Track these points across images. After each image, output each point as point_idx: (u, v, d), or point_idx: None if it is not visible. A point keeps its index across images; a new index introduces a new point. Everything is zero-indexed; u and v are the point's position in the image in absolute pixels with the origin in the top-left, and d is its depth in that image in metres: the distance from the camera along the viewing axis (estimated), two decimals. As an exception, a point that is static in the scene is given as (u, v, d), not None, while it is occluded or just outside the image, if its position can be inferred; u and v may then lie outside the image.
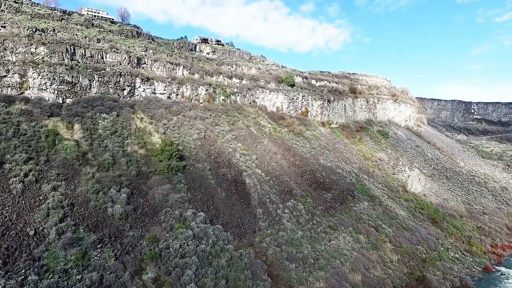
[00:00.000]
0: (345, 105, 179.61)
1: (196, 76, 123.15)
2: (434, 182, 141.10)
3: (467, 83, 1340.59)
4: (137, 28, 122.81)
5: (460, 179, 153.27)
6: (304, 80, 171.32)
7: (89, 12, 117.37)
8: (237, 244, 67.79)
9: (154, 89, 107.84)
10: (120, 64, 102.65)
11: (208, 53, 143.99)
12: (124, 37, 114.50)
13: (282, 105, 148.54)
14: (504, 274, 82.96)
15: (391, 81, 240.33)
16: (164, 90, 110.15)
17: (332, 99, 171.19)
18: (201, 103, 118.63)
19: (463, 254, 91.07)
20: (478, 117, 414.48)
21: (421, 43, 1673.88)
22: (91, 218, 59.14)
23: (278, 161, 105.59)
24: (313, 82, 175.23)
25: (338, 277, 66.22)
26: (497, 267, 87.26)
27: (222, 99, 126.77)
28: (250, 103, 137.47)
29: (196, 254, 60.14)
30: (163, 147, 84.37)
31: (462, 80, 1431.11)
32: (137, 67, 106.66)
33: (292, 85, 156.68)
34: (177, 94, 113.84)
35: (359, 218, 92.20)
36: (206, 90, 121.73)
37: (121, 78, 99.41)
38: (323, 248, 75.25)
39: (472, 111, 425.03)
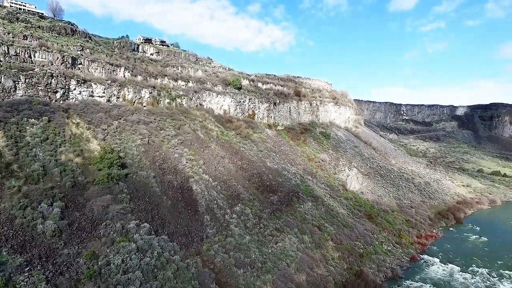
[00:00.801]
0: (290, 107, 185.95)
1: (139, 78, 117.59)
2: (370, 180, 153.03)
3: (400, 85, 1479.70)
4: (72, 24, 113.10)
5: (392, 176, 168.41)
6: (251, 83, 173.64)
7: (13, 5, 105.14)
8: (184, 254, 66.58)
9: (92, 91, 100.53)
10: (52, 64, 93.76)
11: (152, 54, 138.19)
12: (57, 34, 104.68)
13: (229, 108, 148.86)
14: (427, 262, 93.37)
15: (332, 85, 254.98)
16: (104, 92, 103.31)
17: (278, 101, 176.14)
18: (144, 106, 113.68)
19: (395, 246, 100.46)
20: (407, 117, 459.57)
21: (360, 47, 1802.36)
22: (16, 238, 53.31)
23: (225, 165, 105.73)
24: (260, 85, 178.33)
25: (284, 278, 68.68)
26: (421, 256, 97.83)
27: (167, 102, 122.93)
28: (196, 106, 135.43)
29: (140, 268, 57.82)
30: (102, 155, 79.31)
31: (395, 82, 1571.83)
32: (72, 68, 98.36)
33: (239, 88, 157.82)
34: (118, 97, 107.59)
35: (303, 219, 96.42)
36: (150, 92, 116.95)
37: (53, 79, 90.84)
38: (270, 251, 77.34)
39: (402, 112, 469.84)
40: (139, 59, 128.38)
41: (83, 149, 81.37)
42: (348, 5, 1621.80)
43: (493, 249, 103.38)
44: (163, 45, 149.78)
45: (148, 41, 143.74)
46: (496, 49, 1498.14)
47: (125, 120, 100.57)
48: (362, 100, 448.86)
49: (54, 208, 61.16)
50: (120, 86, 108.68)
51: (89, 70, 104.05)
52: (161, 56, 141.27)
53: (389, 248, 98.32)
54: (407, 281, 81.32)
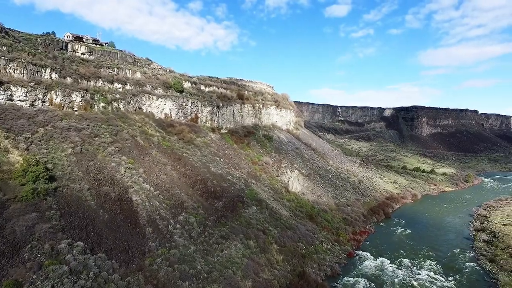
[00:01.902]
0: (233, 110, 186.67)
1: (69, 80, 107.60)
2: (310, 181, 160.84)
3: (335, 87, 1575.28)
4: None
5: (330, 176, 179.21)
6: (193, 85, 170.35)
7: None
8: (124, 271, 62.89)
9: (11, 95, 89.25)
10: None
11: (83, 54, 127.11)
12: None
13: (171, 112, 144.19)
14: (361, 257, 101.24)
15: (274, 87, 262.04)
16: (26, 96, 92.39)
17: (221, 105, 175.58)
18: (76, 111, 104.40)
19: (333, 244, 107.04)
20: (342, 118, 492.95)
21: (299, 49, 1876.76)
22: None
23: (168, 172, 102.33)
24: (202, 87, 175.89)
25: (230, 287, 68.84)
26: (356, 252, 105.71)
27: (102, 107, 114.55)
28: (135, 110, 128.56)
29: (73, 292, 53.13)
30: (25, 167, 70.97)
31: (331, 84, 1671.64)
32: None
33: (181, 91, 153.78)
34: (44, 102, 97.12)
35: (248, 224, 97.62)
36: (82, 96, 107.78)
37: (-40, 80, 78.81)
38: (216, 259, 76.84)
39: (338, 113, 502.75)
40: (68, 59, 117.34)
41: (0, 161, 71.96)
42: (287, 8, 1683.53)
43: (415, 241, 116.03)
44: (96, 44, 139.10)
45: (78, 39, 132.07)
46: (415, 56, 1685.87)
47: (53, 126, 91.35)
48: (302, 102, 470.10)
49: (-36, 233, 53.18)
50: (46, 89, 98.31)
51: (7, 70, 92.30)
52: (94, 56, 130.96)
53: (328, 246, 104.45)
54: (344, 277, 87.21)
